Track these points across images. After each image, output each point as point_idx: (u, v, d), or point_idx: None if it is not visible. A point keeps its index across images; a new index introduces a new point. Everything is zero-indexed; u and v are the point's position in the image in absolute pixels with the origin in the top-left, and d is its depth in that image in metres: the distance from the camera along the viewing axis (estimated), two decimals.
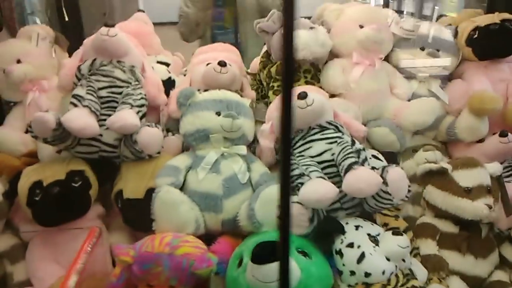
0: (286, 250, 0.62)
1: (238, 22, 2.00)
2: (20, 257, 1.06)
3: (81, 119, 1.01)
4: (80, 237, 1.04)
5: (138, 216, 1.05)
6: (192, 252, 0.88)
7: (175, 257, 0.86)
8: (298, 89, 1.10)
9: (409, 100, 1.30)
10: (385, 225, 1.09)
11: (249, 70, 1.52)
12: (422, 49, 1.32)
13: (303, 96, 1.02)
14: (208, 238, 1.03)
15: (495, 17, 1.35)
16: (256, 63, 1.45)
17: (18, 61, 1.26)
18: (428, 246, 1.08)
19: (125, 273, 0.95)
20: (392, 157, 1.25)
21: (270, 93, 1.27)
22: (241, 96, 1.24)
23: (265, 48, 1.43)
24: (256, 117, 1.17)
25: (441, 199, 1.09)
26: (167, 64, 1.42)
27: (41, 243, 1.04)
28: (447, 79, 1.36)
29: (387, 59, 1.35)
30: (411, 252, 1.06)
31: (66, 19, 2.24)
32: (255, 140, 1.16)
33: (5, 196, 1.05)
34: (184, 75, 1.39)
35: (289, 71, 0.53)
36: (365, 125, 1.26)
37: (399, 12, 3.39)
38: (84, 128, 1.01)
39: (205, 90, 1.18)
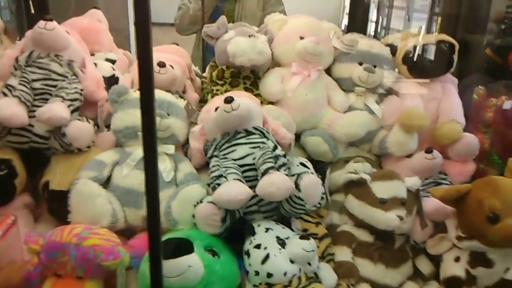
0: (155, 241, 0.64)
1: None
2: None
3: (9, 109, 1.03)
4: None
5: (62, 208, 1.07)
6: (100, 244, 0.90)
7: (82, 247, 0.88)
8: (227, 94, 1.14)
9: (345, 113, 1.35)
10: (304, 230, 1.13)
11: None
12: (360, 63, 1.37)
13: (229, 100, 1.05)
14: (130, 233, 1.06)
15: (433, 37, 1.41)
16: None
17: None
18: (343, 253, 1.13)
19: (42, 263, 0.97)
20: (322, 167, 1.30)
21: (209, 96, 1.31)
22: (183, 98, 1.28)
23: None
24: (192, 119, 1.21)
25: (358, 208, 1.14)
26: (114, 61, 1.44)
27: None
28: (384, 94, 1.42)
29: (328, 71, 1.41)
30: (325, 258, 1.10)
31: (33, 11, 2.24)
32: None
33: None
34: None
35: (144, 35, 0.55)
36: (300, 134, 1.31)
37: None
38: (11, 117, 1.02)
39: None
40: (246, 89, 1.31)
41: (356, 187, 1.15)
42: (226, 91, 1.29)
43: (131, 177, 1.05)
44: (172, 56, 1.36)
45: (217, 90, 1.30)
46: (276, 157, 1.03)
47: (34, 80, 1.12)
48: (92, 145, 1.14)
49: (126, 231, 1.05)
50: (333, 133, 1.30)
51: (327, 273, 1.03)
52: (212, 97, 1.30)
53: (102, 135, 1.19)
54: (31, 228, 1.09)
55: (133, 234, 1.06)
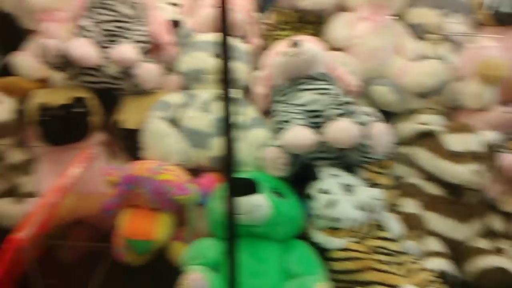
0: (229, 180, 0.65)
1: None
2: (29, 170, 1.16)
3: (81, 48, 1.06)
4: None
5: (134, 145, 1.12)
6: (171, 179, 0.94)
7: (156, 181, 0.92)
8: (294, 37, 1.10)
9: (416, 62, 1.28)
10: (368, 180, 1.11)
11: None
12: (436, 8, 1.27)
13: (295, 44, 1.02)
14: (197, 173, 1.09)
15: None
16: None
17: None
18: (410, 205, 1.10)
19: (119, 195, 1.04)
20: (390, 117, 1.25)
21: (272, 41, 1.28)
22: (246, 42, 1.26)
23: None
24: (254, 64, 1.19)
25: (428, 161, 1.10)
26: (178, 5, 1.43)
27: (48, 160, 1.15)
28: (459, 43, 1.31)
29: (398, 16, 1.32)
30: (391, 209, 1.09)
31: None
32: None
33: (17, 114, 1.14)
34: None
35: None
36: (366, 82, 1.25)
37: None
38: (84, 56, 1.06)
39: None
40: (311, 34, 1.26)
41: (427, 138, 1.10)
42: (289, 36, 1.25)
43: (198, 118, 1.07)
44: None
45: (279, 35, 1.27)
46: (345, 104, 1.00)
47: (104, 21, 1.14)
48: (160, 87, 1.16)
49: (194, 170, 1.08)
50: (402, 82, 1.23)
51: (394, 224, 1.01)
52: (276, 42, 1.26)
53: (168, 78, 1.21)
54: (106, 164, 1.16)
55: (200, 173, 1.09)
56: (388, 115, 1.25)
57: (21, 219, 1.08)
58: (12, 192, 1.15)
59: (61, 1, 1.34)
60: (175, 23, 1.33)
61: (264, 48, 1.36)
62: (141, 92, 1.14)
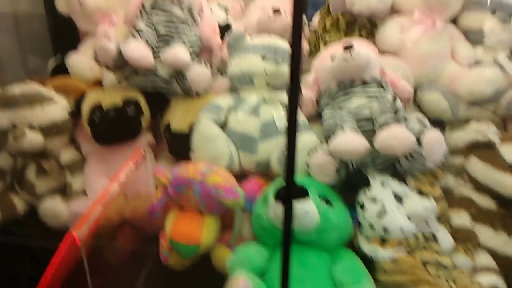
0: (289, 193, 0.65)
1: None
2: (79, 169, 1.20)
3: (138, 50, 1.09)
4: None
5: (182, 148, 1.14)
6: (221, 183, 0.94)
7: (205, 184, 0.93)
8: (346, 41, 1.09)
9: (470, 68, 1.23)
10: (418, 190, 1.08)
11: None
12: (493, 12, 1.22)
13: (348, 47, 1.01)
14: (242, 177, 1.09)
15: None
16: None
17: None
18: (461, 218, 1.06)
19: (165, 197, 1.06)
20: (440, 126, 1.20)
21: (321, 44, 1.27)
22: None
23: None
24: (303, 68, 1.18)
25: (483, 172, 1.05)
26: (227, 9, 1.45)
27: (96, 160, 1.18)
28: None
29: (453, 21, 1.27)
30: (441, 221, 1.05)
31: None
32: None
33: (71, 114, 1.19)
34: None
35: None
36: (417, 88, 1.22)
37: None
38: (140, 59, 1.09)
39: None
40: (361, 39, 1.24)
41: (482, 149, 1.05)
42: (340, 40, 1.23)
43: (246, 122, 1.07)
44: (284, 2, 1.33)
45: (330, 39, 1.25)
46: (397, 110, 0.97)
47: (158, 23, 1.17)
48: (210, 90, 1.18)
49: (239, 174, 1.08)
50: (455, 89, 1.19)
51: (444, 236, 0.98)
52: (325, 45, 1.25)
53: (217, 81, 1.22)
54: (153, 165, 1.18)
55: (245, 177, 1.09)
56: (440, 124, 1.21)
57: (70, 217, 1.14)
58: (62, 191, 1.20)
59: (117, 3, 1.40)
60: (224, 26, 1.35)
61: (310, 51, 1.35)
62: (191, 94, 1.16)
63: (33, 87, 1.16)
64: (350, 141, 0.92)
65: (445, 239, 0.97)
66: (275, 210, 0.88)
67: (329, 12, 1.42)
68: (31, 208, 1.21)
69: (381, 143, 0.92)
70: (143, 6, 1.21)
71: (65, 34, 1.52)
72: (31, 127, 1.12)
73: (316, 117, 1.14)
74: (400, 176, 1.04)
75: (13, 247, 1.15)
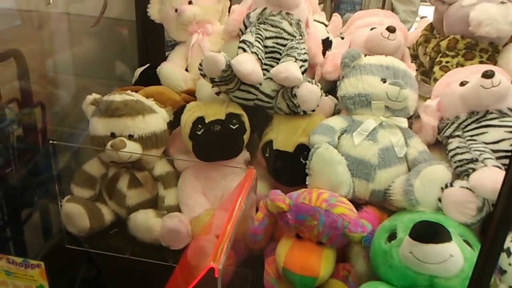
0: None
1: None
2: (172, 183, 1.14)
3: (249, 64, 1.03)
4: (229, 176, 1.10)
5: (284, 168, 1.07)
6: (347, 214, 0.86)
7: (332, 214, 0.85)
8: (481, 67, 1.00)
9: None
10: None
11: None
12: None
13: (490, 75, 0.92)
14: (356, 206, 1.01)
15: None
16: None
17: (190, 2, 1.32)
18: None
19: (267, 219, 0.98)
20: None
21: (436, 68, 1.18)
22: None
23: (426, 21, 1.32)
24: (421, 93, 1.10)
25: None
26: (323, 24, 1.39)
27: (193, 175, 1.12)
28: None
29: None
30: None
31: None
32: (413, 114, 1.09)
33: (169, 126, 1.13)
34: (342, 38, 1.35)
35: None
36: None
37: None
38: (251, 73, 1.03)
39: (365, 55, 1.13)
40: (481, 63, 1.14)
41: None
42: (458, 63, 1.15)
43: (364, 148, 0.99)
44: (394, 19, 1.25)
45: (447, 62, 1.16)
46: None
47: (267, 38, 1.11)
48: (317, 108, 1.10)
49: (353, 202, 1.00)
50: None
51: None
52: (441, 69, 1.16)
53: (322, 100, 1.15)
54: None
55: (356, 207, 1.01)
56: None
57: (162, 232, 1.07)
58: (153, 204, 1.14)
59: (214, 13, 1.36)
60: (326, 42, 1.28)
61: (422, 74, 1.27)
62: (297, 112, 1.09)
63: (134, 96, 1.11)
64: (497, 178, 0.82)
65: None
66: (413, 250, 0.79)
67: (432, 31, 1.34)
68: (118, 219, 1.16)
69: None
70: (248, 18, 1.16)
71: (152, 43, 1.49)
72: (131, 136, 1.08)
73: (434, 145, 1.05)
74: None
75: (99, 258, 1.10)
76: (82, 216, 1.08)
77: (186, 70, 1.36)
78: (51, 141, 1.10)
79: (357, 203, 1.00)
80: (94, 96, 1.15)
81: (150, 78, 1.35)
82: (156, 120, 1.11)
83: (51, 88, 1.34)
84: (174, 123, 1.13)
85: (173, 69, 1.31)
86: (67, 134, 1.29)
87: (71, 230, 1.11)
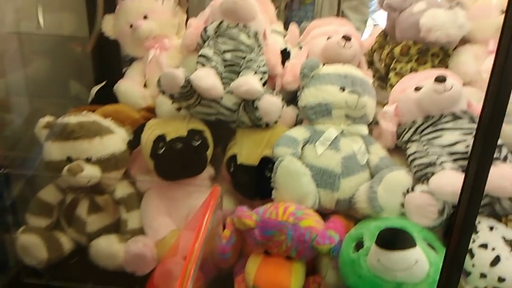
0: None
1: None
2: (135, 206, 1.10)
3: (209, 79, 1.01)
4: (194, 195, 1.07)
5: (250, 182, 1.05)
6: (315, 226, 0.86)
7: (299, 228, 0.84)
8: (434, 72, 1.03)
9: None
10: None
11: None
12: None
13: (441, 79, 0.95)
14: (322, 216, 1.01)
15: None
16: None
17: (145, 17, 1.29)
18: None
19: (234, 236, 0.96)
20: None
21: (392, 74, 1.21)
22: None
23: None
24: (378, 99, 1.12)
25: None
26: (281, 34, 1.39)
27: (156, 195, 1.08)
28: None
29: None
30: None
31: None
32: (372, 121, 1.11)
33: (129, 146, 1.09)
34: (300, 47, 1.35)
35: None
36: None
37: None
38: (211, 88, 1.01)
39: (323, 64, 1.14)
40: (433, 67, 1.18)
41: None
42: (411, 69, 1.18)
43: (327, 157, 0.99)
44: (349, 27, 1.27)
45: (401, 68, 1.19)
46: (499, 147, 0.91)
47: (225, 51, 1.10)
48: (279, 120, 1.10)
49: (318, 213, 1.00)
50: None
51: None
52: (396, 75, 1.19)
53: (284, 111, 1.14)
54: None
55: (322, 216, 1.01)
56: None
57: (126, 258, 1.03)
58: (115, 229, 1.09)
59: (170, 28, 1.33)
60: (284, 53, 1.29)
61: (379, 80, 1.29)
62: (260, 125, 1.08)
63: (91, 117, 1.07)
64: (455, 181, 0.85)
65: None
66: (380, 257, 0.79)
67: (385, 38, 1.38)
68: (79, 247, 1.10)
69: (490, 184, 0.85)
70: (205, 31, 1.15)
71: (108, 59, 1.45)
72: (88, 160, 1.03)
73: (394, 149, 1.08)
74: (496, 217, 0.97)
75: None
76: (39, 246, 1.02)
77: (145, 86, 1.32)
78: (2, 170, 1.03)
79: (324, 213, 1.00)
80: (48, 118, 1.10)
81: (107, 96, 1.31)
82: (115, 140, 1.07)
83: (0, 111, 1.27)
84: (134, 143, 1.09)
85: (130, 86, 1.27)
86: (20, 160, 1.22)
87: (28, 262, 1.04)
